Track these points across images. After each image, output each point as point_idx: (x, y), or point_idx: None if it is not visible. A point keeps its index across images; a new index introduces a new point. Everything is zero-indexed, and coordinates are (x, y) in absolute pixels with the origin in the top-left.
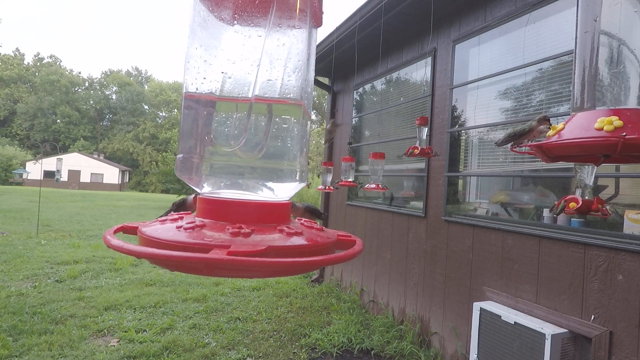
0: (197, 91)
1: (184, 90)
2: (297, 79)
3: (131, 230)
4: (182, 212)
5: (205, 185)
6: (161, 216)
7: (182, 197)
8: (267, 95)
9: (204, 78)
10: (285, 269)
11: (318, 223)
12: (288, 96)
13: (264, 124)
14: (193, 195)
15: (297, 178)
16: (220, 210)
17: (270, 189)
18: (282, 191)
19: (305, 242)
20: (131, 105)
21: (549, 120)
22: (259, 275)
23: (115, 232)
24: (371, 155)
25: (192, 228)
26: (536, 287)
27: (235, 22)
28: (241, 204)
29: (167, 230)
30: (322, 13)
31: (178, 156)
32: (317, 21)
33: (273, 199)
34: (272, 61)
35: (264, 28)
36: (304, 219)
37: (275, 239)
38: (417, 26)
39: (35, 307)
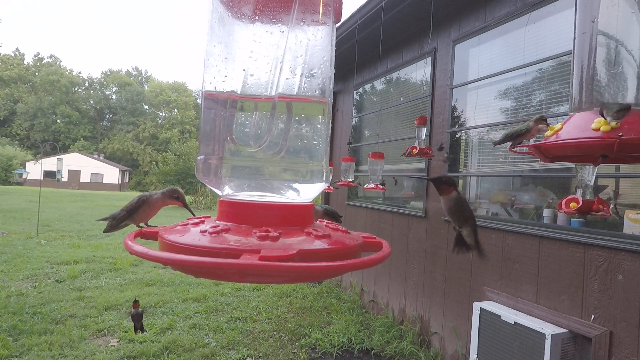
0: (217, 90)
1: (203, 89)
2: (321, 76)
3: (150, 235)
4: (203, 216)
5: (226, 187)
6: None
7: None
8: (291, 93)
9: (225, 76)
10: (318, 273)
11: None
12: (313, 94)
13: (289, 123)
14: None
15: (324, 178)
16: (242, 213)
17: (296, 190)
18: (307, 192)
19: (335, 246)
20: (131, 105)
21: (546, 120)
22: (288, 280)
23: (134, 236)
24: (370, 155)
25: (217, 232)
26: (536, 287)
27: (256, 18)
28: (265, 206)
29: (191, 235)
30: (342, 8)
31: (199, 157)
32: (337, 17)
33: (297, 200)
34: (295, 58)
35: (286, 24)
36: (325, 221)
37: (304, 242)
38: (417, 26)
39: (35, 307)
